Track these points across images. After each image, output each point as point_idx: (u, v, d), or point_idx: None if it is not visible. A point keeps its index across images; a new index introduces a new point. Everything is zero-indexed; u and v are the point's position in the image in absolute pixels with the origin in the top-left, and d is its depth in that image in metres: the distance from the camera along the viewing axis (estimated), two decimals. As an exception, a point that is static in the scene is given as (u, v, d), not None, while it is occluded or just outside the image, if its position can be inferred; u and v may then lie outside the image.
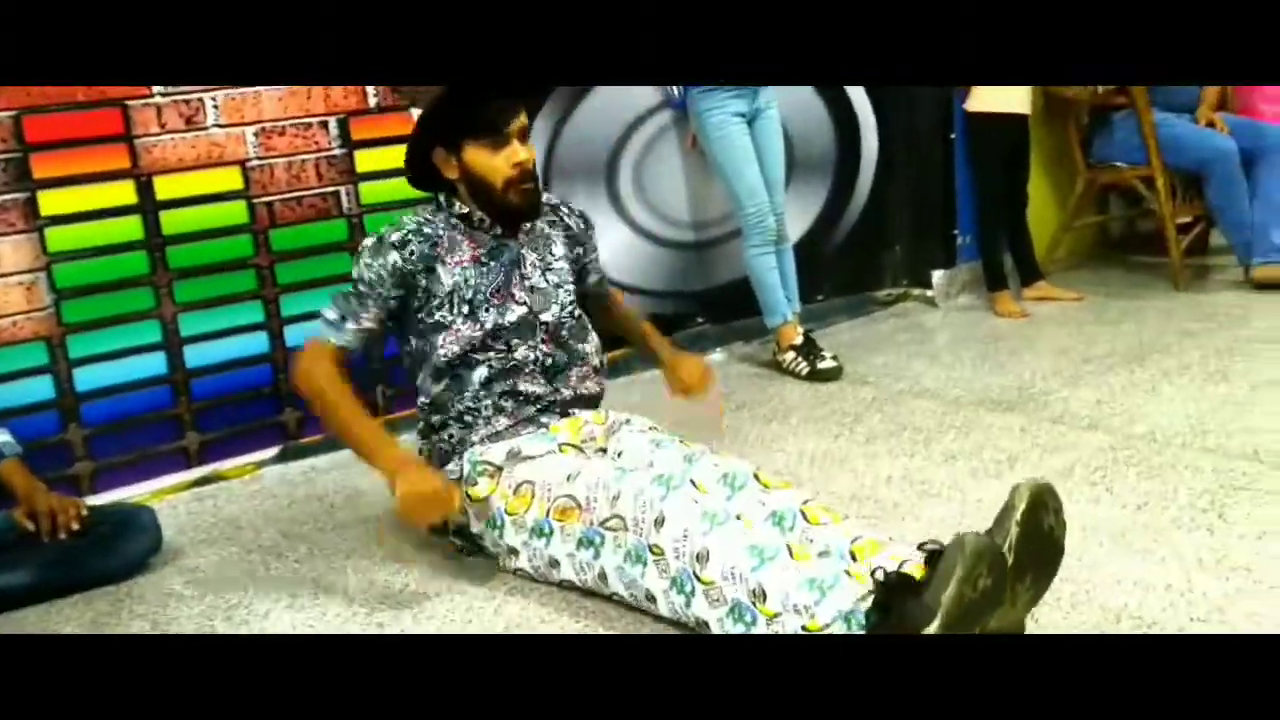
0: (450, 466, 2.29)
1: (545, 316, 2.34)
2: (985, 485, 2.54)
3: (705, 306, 3.90)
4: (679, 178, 3.80)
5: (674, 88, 3.60)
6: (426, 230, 2.29)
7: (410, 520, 2.19)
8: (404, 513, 2.11)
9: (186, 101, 2.85)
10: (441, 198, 2.35)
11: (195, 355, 2.95)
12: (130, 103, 2.79)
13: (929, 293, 4.32)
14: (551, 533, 2.11)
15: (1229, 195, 4.11)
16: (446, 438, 2.32)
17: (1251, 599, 1.95)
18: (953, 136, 4.22)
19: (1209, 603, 1.95)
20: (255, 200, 2.99)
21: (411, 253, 2.26)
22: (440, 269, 2.28)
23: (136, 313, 2.87)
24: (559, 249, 2.42)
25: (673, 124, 3.75)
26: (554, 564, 2.14)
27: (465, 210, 2.32)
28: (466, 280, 2.28)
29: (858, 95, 4.13)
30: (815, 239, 4.12)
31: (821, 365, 3.49)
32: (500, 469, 2.22)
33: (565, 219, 2.47)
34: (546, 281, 2.37)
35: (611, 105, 3.59)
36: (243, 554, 2.54)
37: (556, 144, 3.52)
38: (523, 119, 2.27)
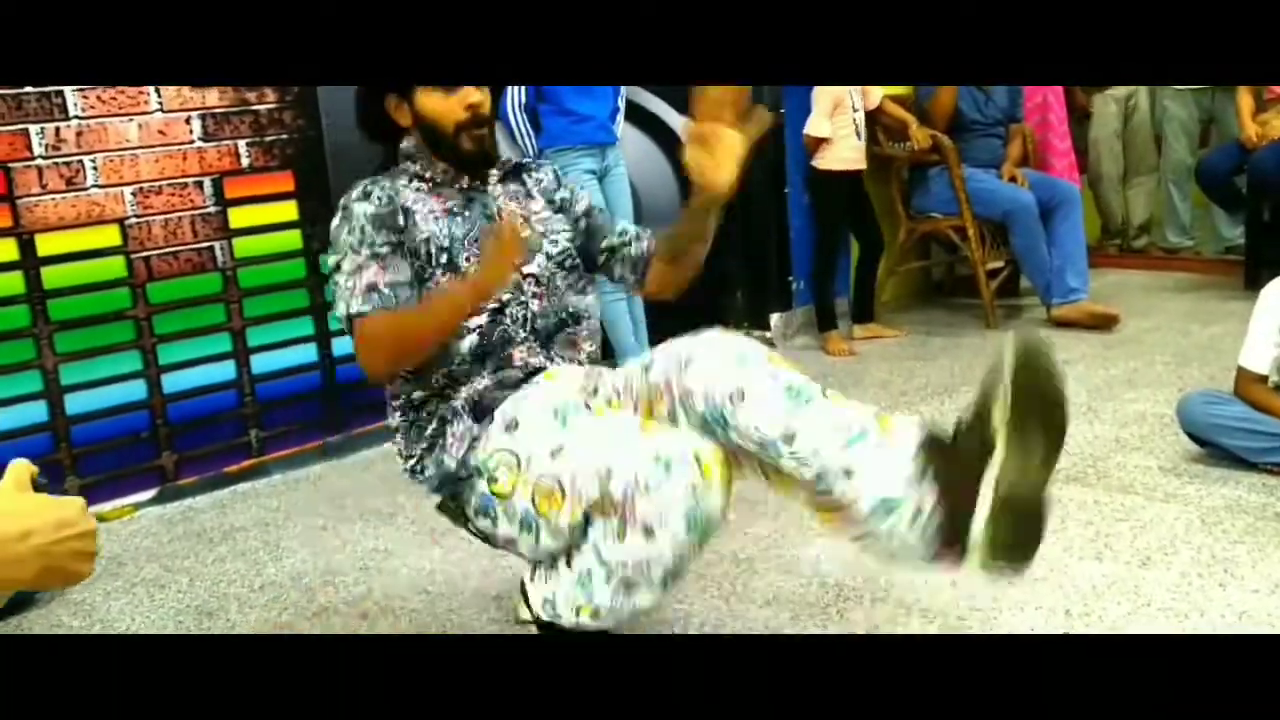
0: (446, 459, 2.07)
1: (529, 269, 2.16)
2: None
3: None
4: (535, 230, 4.06)
5: (528, 148, 3.88)
6: (384, 184, 2.11)
7: (500, 264, 1.99)
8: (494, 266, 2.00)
9: (67, 164, 3.03)
10: (398, 163, 2.19)
11: (75, 403, 3.11)
12: (12, 165, 2.96)
13: (768, 334, 4.67)
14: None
15: (1030, 243, 4.59)
16: (425, 415, 2.12)
17: (1018, 589, 2.30)
18: (786, 191, 4.61)
19: (985, 593, 2.29)
20: (133, 255, 3.17)
21: (379, 199, 2.08)
22: (416, 216, 2.10)
23: (18, 363, 3.02)
24: (539, 203, 2.27)
25: (529, 181, 4.02)
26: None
27: (425, 171, 2.16)
28: (441, 230, 2.11)
29: (699, 153, 4.48)
30: (663, 286, 4.44)
31: (668, 402, 3.79)
32: (518, 458, 2.00)
33: (537, 174, 2.31)
34: (531, 230, 2.20)
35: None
36: (127, 587, 2.71)
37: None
38: None
